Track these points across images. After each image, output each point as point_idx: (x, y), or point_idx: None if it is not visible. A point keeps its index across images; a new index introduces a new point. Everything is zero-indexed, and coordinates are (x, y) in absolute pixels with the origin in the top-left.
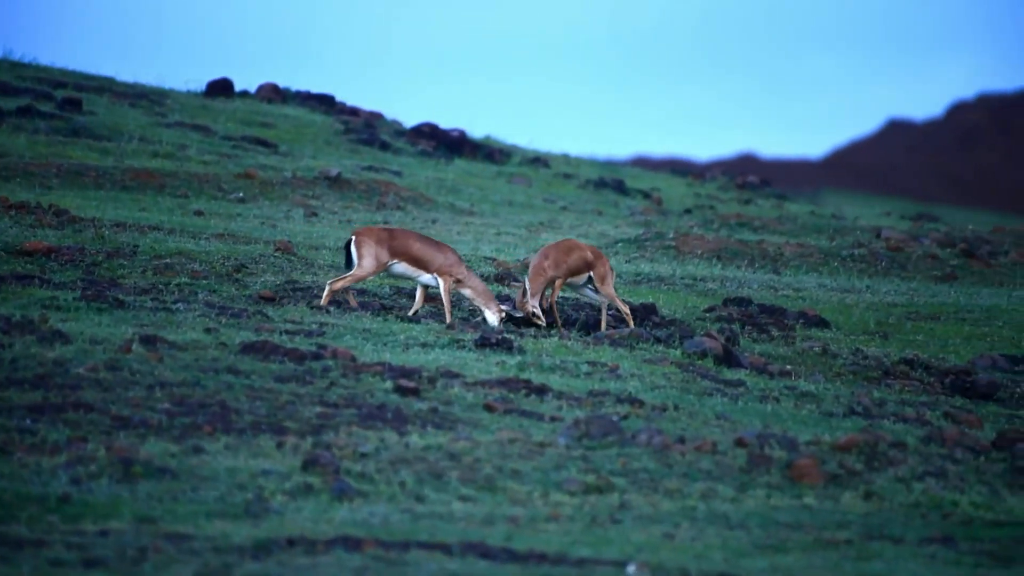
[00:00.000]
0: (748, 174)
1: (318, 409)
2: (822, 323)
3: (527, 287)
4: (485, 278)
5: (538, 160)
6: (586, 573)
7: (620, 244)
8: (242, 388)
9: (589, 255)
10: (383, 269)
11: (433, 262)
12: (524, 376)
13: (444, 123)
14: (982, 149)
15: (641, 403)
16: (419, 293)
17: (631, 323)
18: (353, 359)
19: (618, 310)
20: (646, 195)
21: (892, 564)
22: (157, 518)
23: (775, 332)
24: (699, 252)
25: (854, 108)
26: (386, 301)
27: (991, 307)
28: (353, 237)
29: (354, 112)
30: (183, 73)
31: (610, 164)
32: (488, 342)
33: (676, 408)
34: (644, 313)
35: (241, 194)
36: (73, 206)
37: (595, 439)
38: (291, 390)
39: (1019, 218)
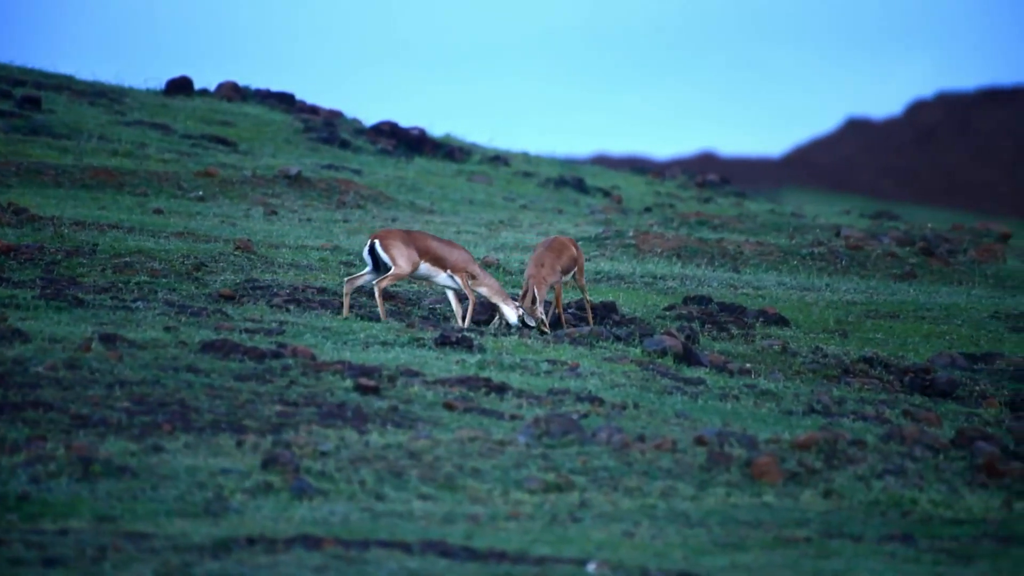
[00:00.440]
0: (708, 172)
1: (278, 408)
2: (782, 321)
3: (534, 294)
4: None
5: (498, 158)
6: (546, 572)
7: (580, 242)
8: (202, 387)
9: (574, 251)
10: (417, 268)
11: (448, 259)
12: (484, 374)
13: (404, 121)
14: (941, 148)
15: (601, 401)
16: (454, 302)
17: (591, 319)
18: (313, 358)
19: (586, 304)
20: (606, 193)
21: (851, 562)
22: (117, 517)
23: (735, 330)
24: (659, 250)
25: (813, 107)
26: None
27: (950, 305)
28: (377, 241)
29: (314, 111)
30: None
31: (570, 162)
32: (448, 340)
33: (636, 406)
34: (604, 311)
35: (201, 192)
36: (32, 204)
37: (555, 437)
38: (251, 389)
39: (978, 216)
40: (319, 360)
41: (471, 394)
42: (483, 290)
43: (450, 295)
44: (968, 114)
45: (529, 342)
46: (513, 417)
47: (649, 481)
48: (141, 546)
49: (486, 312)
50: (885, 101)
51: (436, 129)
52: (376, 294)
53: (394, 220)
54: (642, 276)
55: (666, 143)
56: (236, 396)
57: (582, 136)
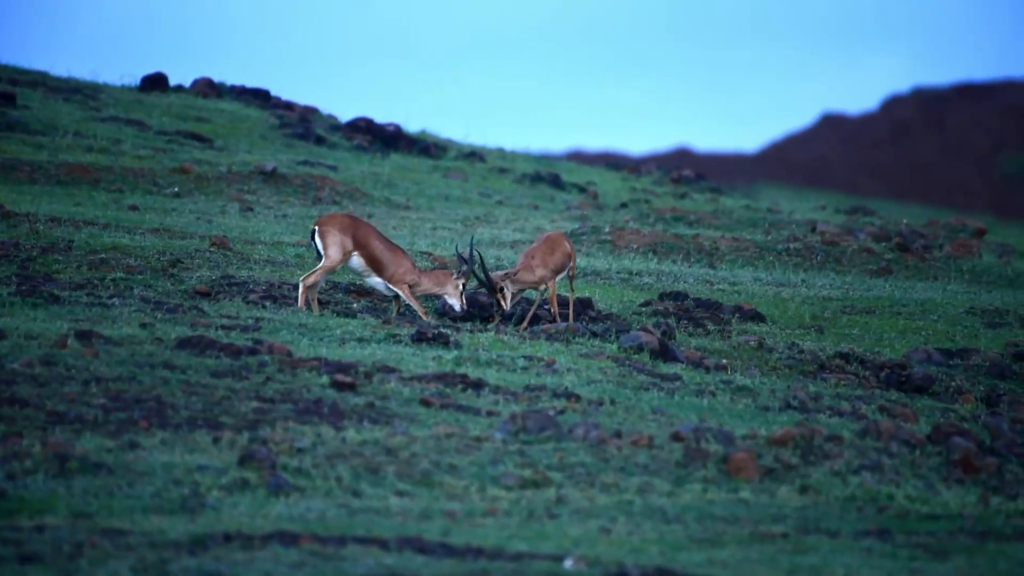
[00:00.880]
0: (683, 168)
1: (254, 404)
2: (758, 317)
3: (515, 274)
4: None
5: (474, 154)
6: (523, 567)
7: None
8: (178, 383)
9: (568, 248)
10: (347, 259)
11: (387, 267)
12: (461, 371)
13: (379, 117)
14: (916, 143)
15: (577, 397)
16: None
17: (571, 316)
18: (289, 354)
19: (570, 301)
20: (582, 189)
21: (828, 557)
22: (93, 513)
23: (711, 326)
24: (635, 246)
25: (789, 102)
26: (322, 296)
27: (925, 301)
28: (316, 227)
29: (289, 106)
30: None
31: (546, 158)
32: (425, 336)
33: (612, 402)
34: (580, 307)
35: (176, 189)
36: (7, 201)
37: (532, 434)
38: (227, 385)
39: (953, 212)
40: (295, 356)
41: (448, 390)
42: (423, 292)
43: (377, 294)
44: (943, 110)
45: (506, 338)
46: (490, 413)
47: (626, 477)
48: (117, 543)
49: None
50: (860, 97)
51: (412, 125)
52: (300, 289)
53: (370, 216)
54: (618, 272)
55: (641, 139)
56: (212, 393)
57: (558, 132)
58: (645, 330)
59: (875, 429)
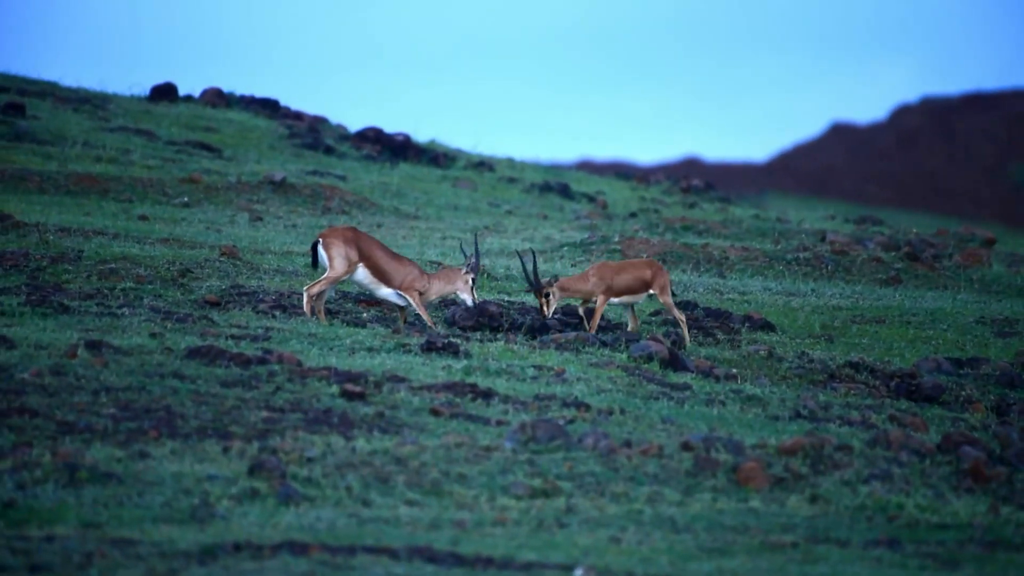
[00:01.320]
0: (692, 178)
1: (264, 414)
2: (767, 326)
3: (570, 283)
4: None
5: (483, 164)
6: None
7: (565, 248)
8: (187, 393)
9: (647, 273)
10: (353, 270)
11: (394, 278)
12: (470, 380)
13: (388, 127)
14: (925, 152)
15: (587, 407)
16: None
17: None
18: (299, 364)
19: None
20: (591, 199)
21: (837, 567)
22: (102, 523)
23: (720, 336)
24: (644, 256)
25: (798, 112)
26: (331, 306)
27: (935, 310)
28: (320, 239)
29: (298, 117)
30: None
31: (555, 168)
32: (434, 346)
33: (622, 412)
34: (589, 317)
35: (186, 199)
36: (17, 211)
37: (541, 443)
38: (237, 395)
39: (962, 221)
40: (305, 366)
41: (457, 400)
42: (436, 295)
43: (387, 305)
44: (952, 119)
45: (515, 348)
46: (499, 423)
47: (635, 486)
48: (127, 552)
49: (471, 318)
50: (869, 106)
51: (421, 135)
52: (304, 298)
53: (379, 226)
54: None
55: (651, 148)
56: (222, 402)
57: (567, 142)
58: (655, 339)
59: (885, 438)
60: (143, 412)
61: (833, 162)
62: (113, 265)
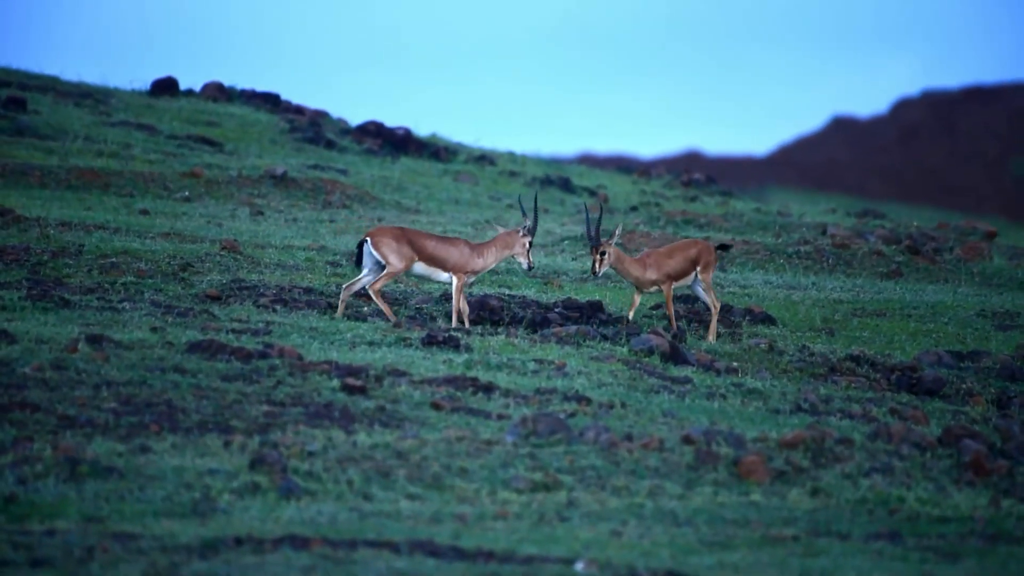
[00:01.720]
0: (693, 171)
1: (265, 408)
2: (768, 320)
3: (625, 260)
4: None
5: (484, 158)
6: (534, 571)
7: (566, 242)
8: (189, 387)
9: (692, 253)
10: (410, 266)
11: (450, 259)
12: (471, 374)
13: (389, 121)
14: (926, 146)
15: (588, 401)
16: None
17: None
18: (300, 358)
19: (712, 304)
20: (592, 193)
21: (838, 560)
22: (104, 517)
23: (721, 329)
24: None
25: (799, 105)
26: (332, 299)
27: (936, 304)
28: (368, 239)
29: (299, 111)
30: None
31: (556, 162)
32: (435, 340)
33: (623, 405)
34: (591, 311)
35: (187, 193)
36: (18, 205)
37: (542, 437)
38: (238, 389)
39: (963, 215)
40: (306, 360)
41: (458, 394)
42: (494, 263)
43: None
44: (953, 113)
45: (516, 341)
46: (500, 417)
47: (636, 480)
48: (128, 546)
49: (474, 311)
50: (870, 100)
51: (421, 129)
52: (373, 296)
53: (380, 220)
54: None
55: (651, 142)
56: (223, 396)
57: (568, 135)
58: (656, 333)
59: (886, 432)
60: (144, 406)
61: (834, 156)
62: (114, 259)
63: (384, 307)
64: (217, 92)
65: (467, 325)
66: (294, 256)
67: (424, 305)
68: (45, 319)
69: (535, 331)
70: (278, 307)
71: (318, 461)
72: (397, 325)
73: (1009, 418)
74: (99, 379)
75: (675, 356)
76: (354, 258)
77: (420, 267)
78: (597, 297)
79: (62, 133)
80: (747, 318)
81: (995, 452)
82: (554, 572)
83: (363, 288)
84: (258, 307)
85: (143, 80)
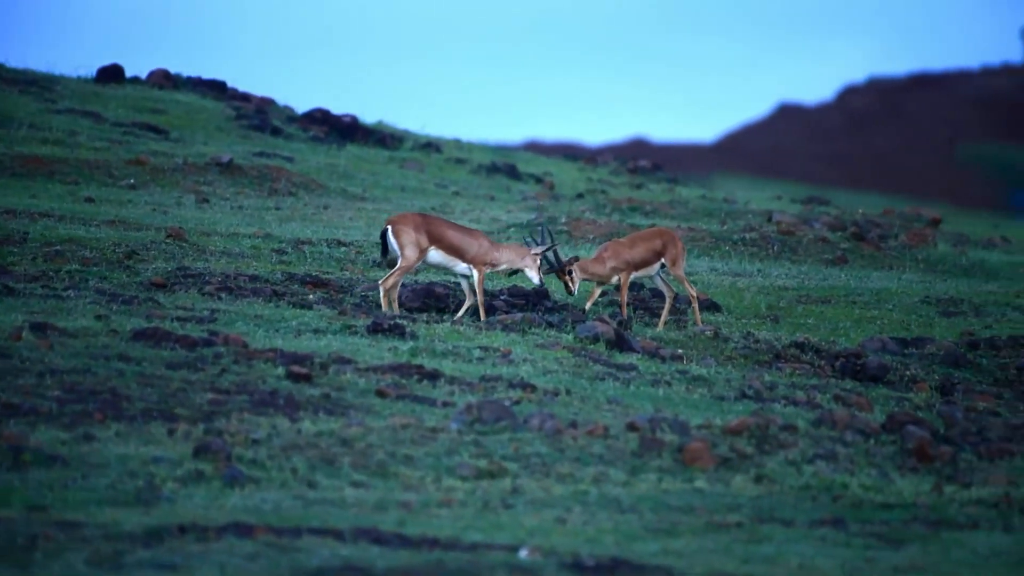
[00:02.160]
0: (640, 158)
1: (209, 396)
2: (714, 307)
3: (588, 265)
4: (377, 264)
5: (430, 145)
6: (478, 558)
7: (512, 229)
8: (133, 375)
9: (658, 245)
10: (424, 256)
11: (468, 251)
12: (416, 361)
13: (336, 109)
14: (872, 132)
15: (533, 388)
16: (468, 291)
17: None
18: (245, 345)
19: (688, 294)
20: (538, 180)
21: (783, 546)
22: (48, 506)
23: (667, 317)
24: (591, 236)
25: (745, 92)
26: (278, 287)
27: (881, 290)
28: (389, 227)
29: (245, 98)
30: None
31: (502, 149)
32: (380, 327)
33: (568, 393)
34: (536, 298)
35: (132, 181)
36: None
37: (487, 424)
38: (182, 377)
39: (909, 201)
40: (251, 348)
41: (403, 381)
42: (504, 266)
43: (464, 284)
44: (900, 99)
45: (461, 329)
46: (445, 404)
47: (581, 467)
48: (72, 535)
49: (420, 299)
50: (816, 86)
51: (368, 116)
52: (381, 293)
53: (326, 207)
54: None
55: (598, 129)
56: (168, 384)
57: (514, 123)
58: (601, 320)
59: (830, 418)
60: (88, 394)
61: (781, 142)
62: (59, 247)
63: (385, 304)
64: (163, 79)
65: (483, 316)
66: (240, 244)
67: (370, 293)
68: None
69: (480, 318)
70: (223, 295)
71: (263, 449)
72: (502, 322)
73: (952, 404)
74: (43, 367)
75: (620, 343)
76: (380, 248)
77: (439, 256)
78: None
79: (7, 120)
80: (690, 306)
81: (938, 438)
82: (499, 559)
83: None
84: (203, 295)
85: (89, 67)
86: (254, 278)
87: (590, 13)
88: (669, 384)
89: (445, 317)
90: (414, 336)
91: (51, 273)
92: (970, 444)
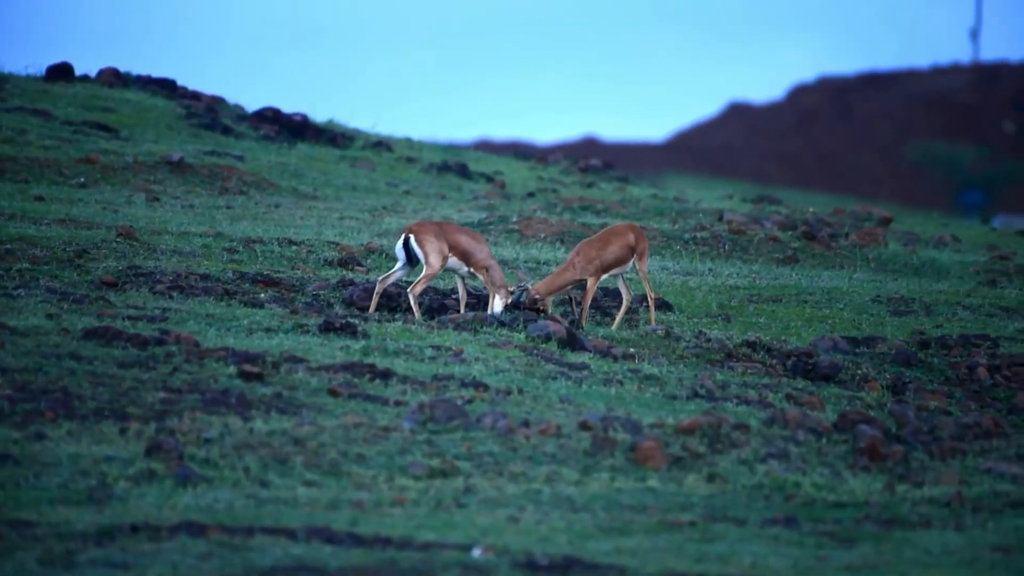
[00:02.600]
0: (590, 157)
1: (161, 395)
2: (665, 306)
3: (554, 281)
4: (328, 263)
5: (381, 144)
6: (431, 557)
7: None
8: (84, 374)
9: (631, 239)
10: (446, 263)
11: (475, 255)
12: (368, 360)
13: (286, 107)
14: (822, 132)
15: (486, 387)
16: (462, 289)
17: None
18: (196, 344)
19: (648, 296)
20: (489, 179)
21: (735, 545)
22: None
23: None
24: (542, 235)
25: (696, 91)
26: (229, 286)
27: (832, 289)
28: (412, 235)
29: (196, 96)
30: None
31: (453, 148)
32: (332, 326)
33: (520, 392)
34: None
35: (82, 179)
36: None
37: (440, 423)
38: (134, 376)
39: (859, 200)
40: (202, 347)
41: (355, 380)
42: (488, 281)
43: (460, 283)
44: (849, 98)
45: (414, 328)
46: (398, 403)
47: (534, 466)
48: (24, 534)
49: (366, 298)
50: (766, 85)
51: (319, 115)
52: (411, 301)
53: (277, 206)
54: (526, 261)
55: (549, 128)
56: (119, 383)
57: (465, 121)
58: (553, 319)
59: (782, 417)
60: (39, 393)
61: (731, 142)
62: (9, 246)
63: (416, 309)
64: (113, 78)
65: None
66: (190, 243)
67: (321, 292)
68: None
69: (432, 317)
70: (174, 294)
71: (215, 448)
72: (454, 320)
73: (904, 403)
74: None
75: (572, 342)
76: (402, 256)
77: (453, 261)
78: None
79: None
80: (644, 304)
81: (890, 437)
82: (451, 558)
83: (396, 281)
84: (154, 294)
85: (38, 65)
86: (205, 277)
87: (541, 12)
88: (621, 383)
89: (396, 316)
90: (366, 335)
91: (1, 272)
92: (922, 443)
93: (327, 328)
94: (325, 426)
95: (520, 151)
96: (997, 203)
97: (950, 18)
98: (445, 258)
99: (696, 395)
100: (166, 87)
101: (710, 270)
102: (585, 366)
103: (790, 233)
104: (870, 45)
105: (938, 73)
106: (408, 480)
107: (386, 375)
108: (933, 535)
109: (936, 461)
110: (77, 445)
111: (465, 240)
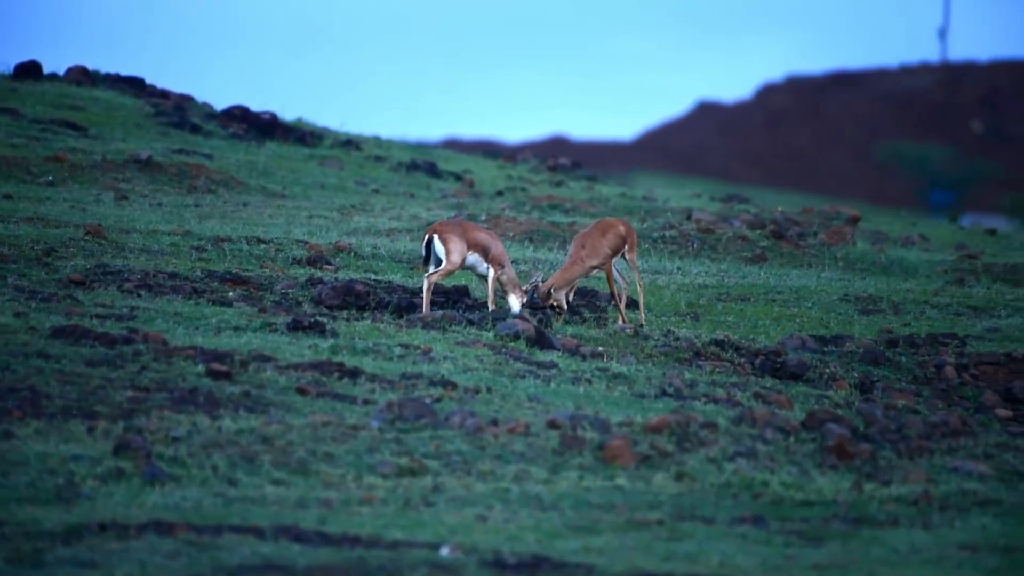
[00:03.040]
0: (559, 156)
1: (129, 393)
2: (634, 305)
3: (564, 273)
4: (297, 261)
5: (350, 143)
6: (399, 556)
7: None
8: (52, 372)
9: (622, 230)
10: (465, 261)
11: (490, 251)
12: (337, 359)
13: (255, 106)
14: (791, 131)
15: (454, 386)
16: (484, 285)
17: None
18: (164, 343)
19: (638, 287)
20: (458, 177)
21: (703, 544)
22: None
23: (587, 314)
24: (511, 234)
25: (664, 90)
26: (198, 285)
27: (800, 288)
28: (436, 235)
29: (164, 95)
30: None
31: (422, 146)
32: (301, 325)
33: (489, 390)
34: (456, 296)
35: (50, 177)
36: None
37: (408, 422)
38: (102, 374)
39: (827, 199)
40: (171, 345)
41: (324, 379)
42: (504, 278)
43: (482, 282)
44: (818, 98)
45: (382, 326)
46: (366, 402)
47: (502, 465)
48: None
49: (340, 296)
50: (735, 84)
51: (287, 113)
52: (424, 287)
53: (246, 205)
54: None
55: (517, 127)
56: (87, 382)
57: (434, 120)
58: (521, 318)
59: (750, 416)
60: (7, 392)
61: (700, 140)
62: None
63: (427, 301)
64: (81, 76)
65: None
66: (159, 241)
67: (289, 291)
68: None
69: (401, 316)
70: (143, 292)
71: (183, 446)
72: (423, 319)
73: (872, 402)
74: None
75: (540, 341)
76: (423, 257)
77: (472, 259)
78: (463, 282)
79: None
80: (612, 303)
81: (858, 436)
82: (420, 557)
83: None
84: (122, 292)
85: (6, 64)
86: (173, 275)
87: (509, 10)
88: (590, 382)
89: (365, 315)
90: (334, 334)
91: None
92: (889, 442)
93: (295, 327)
94: (293, 425)
95: (489, 150)
96: (965, 202)
97: (918, 18)
98: (464, 257)
99: (664, 394)
100: (134, 85)
101: (679, 269)
102: (554, 365)
103: (759, 232)
104: (838, 44)
105: (906, 72)
106: (376, 479)
107: (355, 374)
108: (901, 534)
109: (904, 460)
110: (45, 444)
111: (483, 237)
